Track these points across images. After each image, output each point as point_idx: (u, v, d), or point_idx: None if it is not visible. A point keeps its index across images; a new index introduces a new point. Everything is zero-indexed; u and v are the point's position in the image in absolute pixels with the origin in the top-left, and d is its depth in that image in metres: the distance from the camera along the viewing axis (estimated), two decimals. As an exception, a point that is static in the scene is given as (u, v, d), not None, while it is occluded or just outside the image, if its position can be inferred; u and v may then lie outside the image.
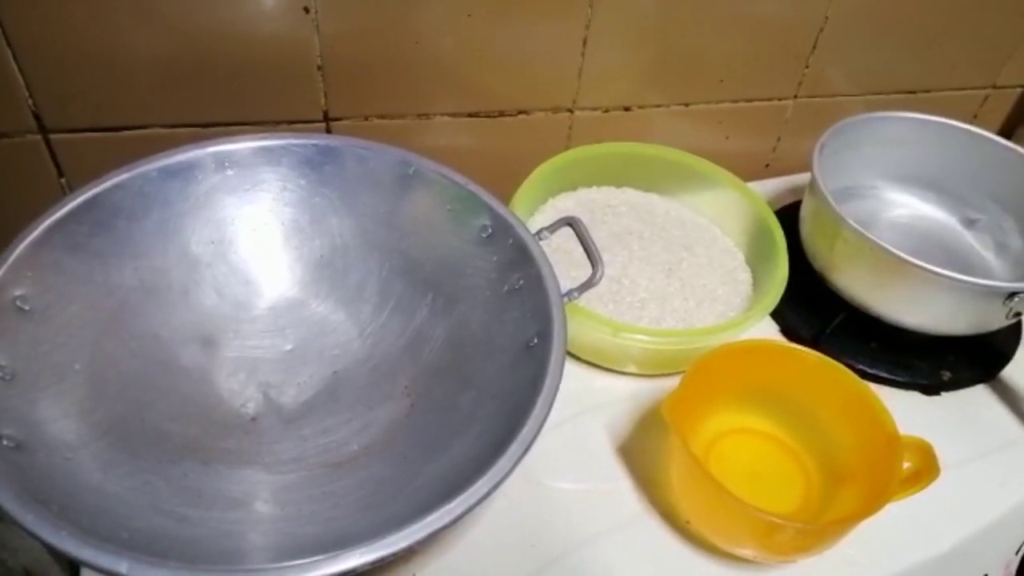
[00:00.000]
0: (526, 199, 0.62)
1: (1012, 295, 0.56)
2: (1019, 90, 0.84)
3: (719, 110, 0.75)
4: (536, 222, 0.65)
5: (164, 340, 0.49)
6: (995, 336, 0.63)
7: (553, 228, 0.51)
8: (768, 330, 0.65)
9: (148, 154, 0.48)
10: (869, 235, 0.57)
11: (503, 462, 0.37)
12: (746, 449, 0.55)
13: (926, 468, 0.47)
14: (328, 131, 0.64)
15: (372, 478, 0.45)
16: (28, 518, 0.33)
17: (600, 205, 0.69)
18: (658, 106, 0.73)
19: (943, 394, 0.62)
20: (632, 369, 0.59)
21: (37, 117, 0.57)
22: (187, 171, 0.49)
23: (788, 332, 0.65)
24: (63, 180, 0.61)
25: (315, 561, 0.33)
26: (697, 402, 0.51)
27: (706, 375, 0.50)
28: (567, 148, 0.70)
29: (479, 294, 0.50)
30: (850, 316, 0.63)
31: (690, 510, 0.50)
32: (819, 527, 0.48)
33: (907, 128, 0.70)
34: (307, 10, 0.57)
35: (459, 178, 0.51)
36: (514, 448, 0.38)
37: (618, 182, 0.70)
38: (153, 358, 0.48)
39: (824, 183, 0.60)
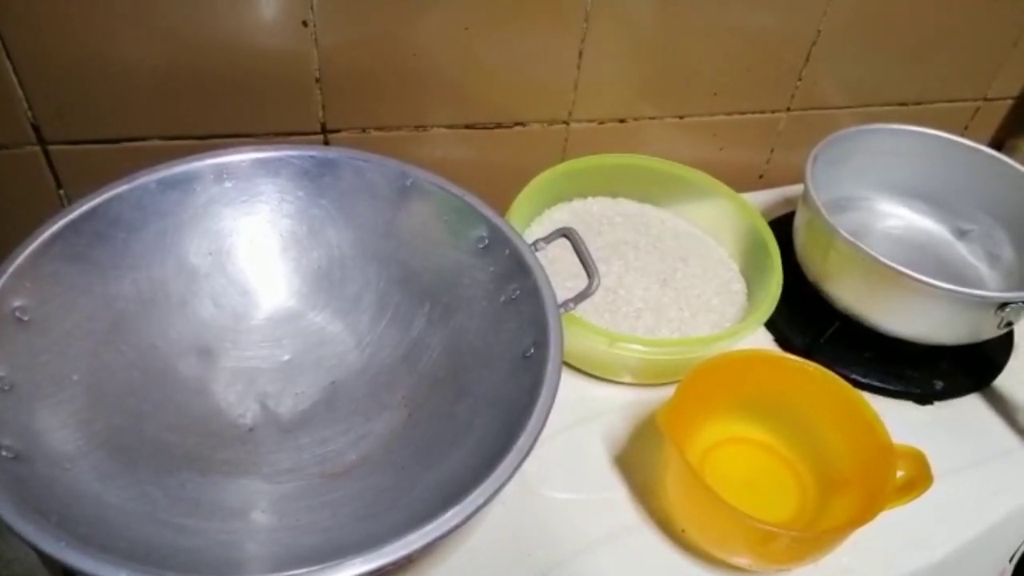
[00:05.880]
0: (523, 210, 0.63)
1: (1004, 305, 0.56)
2: (1009, 102, 0.85)
3: (713, 122, 0.76)
4: (532, 233, 0.65)
5: (162, 351, 0.49)
6: (987, 346, 0.63)
7: (549, 239, 0.51)
8: (762, 340, 0.65)
9: (147, 166, 0.49)
10: (862, 246, 0.57)
11: (500, 472, 0.38)
12: (741, 458, 0.55)
13: (920, 477, 0.47)
14: (326, 143, 0.65)
15: (370, 488, 0.45)
16: (28, 529, 0.33)
17: (596, 216, 0.69)
18: (653, 118, 0.73)
19: (936, 403, 0.62)
20: (628, 379, 0.59)
21: (36, 128, 0.58)
22: (185, 183, 0.50)
23: (782, 342, 0.65)
24: (62, 191, 0.62)
25: (312, 571, 0.33)
26: (692, 412, 0.51)
27: (701, 385, 0.51)
28: (563, 159, 0.70)
29: (476, 304, 0.50)
30: (844, 326, 0.63)
31: (686, 519, 0.51)
32: (814, 535, 0.48)
33: (899, 140, 0.71)
34: (305, 24, 0.58)
35: (456, 189, 0.51)
36: (511, 458, 0.38)
37: (613, 193, 0.71)
38: (151, 369, 0.48)
39: (817, 194, 0.61)
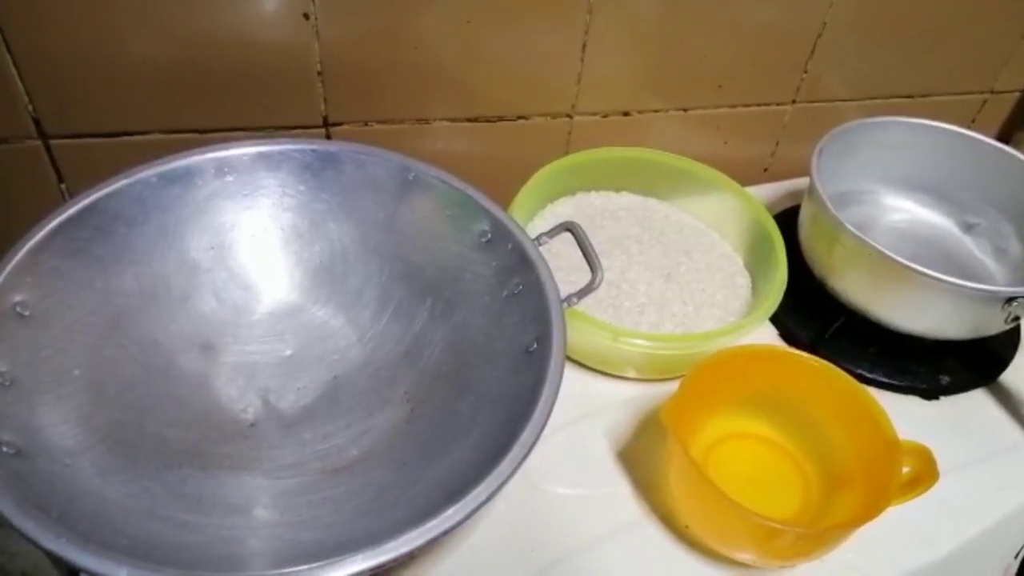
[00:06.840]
0: (525, 204, 0.62)
1: (1011, 299, 0.56)
2: (1016, 95, 0.85)
3: (717, 115, 0.75)
4: (535, 227, 0.65)
5: (163, 345, 0.49)
6: (994, 340, 0.63)
7: (552, 233, 0.51)
8: (767, 335, 0.65)
9: (148, 160, 0.48)
10: (868, 240, 0.57)
11: (503, 467, 0.37)
12: (745, 454, 0.55)
13: (925, 472, 0.47)
14: (328, 136, 0.65)
15: (372, 484, 0.45)
16: (28, 525, 0.33)
17: (599, 210, 0.69)
18: (656, 111, 0.73)
19: (942, 398, 0.62)
20: (631, 374, 0.59)
21: (37, 122, 0.58)
22: (187, 177, 0.49)
23: (787, 336, 0.65)
24: (63, 186, 0.61)
25: (315, 567, 0.33)
26: (696, 407, 0.51)
27: (705, 380, 0.50)
28: (566, 153, 0.70)
29: (478, 299, 0.50)
30: (849, 321, 0.63)
31: (689, 515, 0.50)
32: (818, 532, 0.48)
33: (905, 133, 0.70)
34: (307, 16, 0.57)
35: (458, 183, 0.51)
36: (514, 453, 0.38)
37: (617, 187, 0.70)
38: (152, 364, 0.48)
39: (823, 188, 0.61)
